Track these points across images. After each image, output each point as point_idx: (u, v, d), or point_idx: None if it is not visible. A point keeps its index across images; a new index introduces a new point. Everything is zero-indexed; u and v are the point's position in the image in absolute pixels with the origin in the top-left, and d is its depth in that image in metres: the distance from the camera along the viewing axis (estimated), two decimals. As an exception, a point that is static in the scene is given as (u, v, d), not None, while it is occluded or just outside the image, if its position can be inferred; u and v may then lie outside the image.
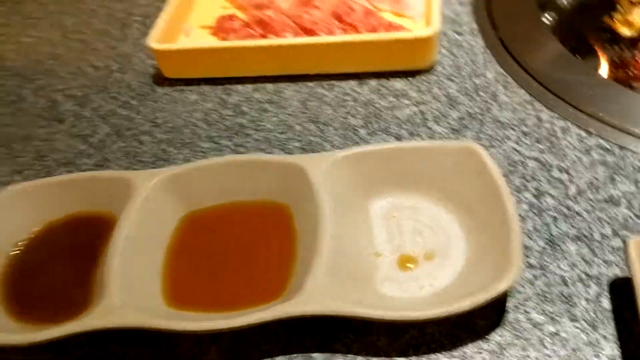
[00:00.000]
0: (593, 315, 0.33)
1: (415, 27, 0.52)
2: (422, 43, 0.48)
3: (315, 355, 0.34)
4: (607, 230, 0.37)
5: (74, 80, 0.57)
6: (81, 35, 0.62)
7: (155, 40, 0.52)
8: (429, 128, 0.45)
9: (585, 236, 0.36)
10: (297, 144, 0.46)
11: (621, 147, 0.41)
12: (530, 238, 0.37)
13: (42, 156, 0.50)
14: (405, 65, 0.49)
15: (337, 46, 0.49)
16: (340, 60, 0.50)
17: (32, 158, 0.50)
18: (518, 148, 0.42)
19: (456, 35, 0.52)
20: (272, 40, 0.51)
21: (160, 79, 0.54)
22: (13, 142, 0.52)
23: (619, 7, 0.58)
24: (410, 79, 0.49)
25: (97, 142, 0.50)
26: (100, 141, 0.50)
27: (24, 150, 0.51)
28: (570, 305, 0.33)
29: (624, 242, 0.34)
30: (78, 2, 0.67)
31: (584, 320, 0.33)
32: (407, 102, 0.47)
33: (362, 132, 0.45)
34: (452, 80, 0.48)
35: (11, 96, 0.56)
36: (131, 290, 0.35)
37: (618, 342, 0.32)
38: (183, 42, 0.55)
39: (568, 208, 0.38)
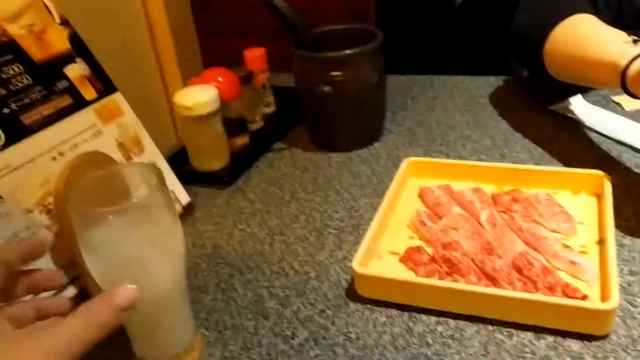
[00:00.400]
0: None
1: (590, 292, 0.57)
2: (599, 314, 0.53)
3: None
4: None
5: (277, 280, 0.67)
6: (283, 237, 0.74)
7: (356, 262, 0.61)
8: (607, 399, 0.48)
9: None
10: (478, 387, 0.51)
11: None
12: None
13: (249, 348, 0.58)
14: (581, 329, 0.54)
15: (517, 300, 0.56)
16: (518, 312, 0.56)
17: (239, 348, 0.58)
18: None
19: (629, 306, 0.57)
20: (458, 285, 0.59)
21: (353, 294, 0.62)
22: (224, 328, 0.61)
23: None
24: (586, 342, 0.54)
25: (297, 346, 0.58)
26: (300, 345, 0.58)
27: (232, 338, 0.60)
28: None
29: None
30: (282, 205, 0.80)
31: None
32: (583, 366, 0.52)
33: (541, 389, 0.50)
34: (627, 352, 0.52)
35: (223, 284, 0.67)
36: None
37: None
38: (378, 268, 0.64)
39: None
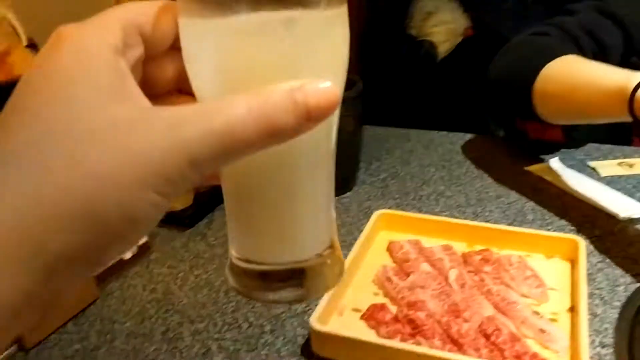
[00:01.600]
0: None
1: (560, 364, 0.54)
2: (570, 388, 0.49)
3: None
4: None
5: (229, 332, 0.62)
6: (241, 286, 0.69)
7: (314, 318, 0.57)
8: None
9: None
10: None
11: None
12: None
13: (190, 406, 0.53)
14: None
15: (483, 367, 0.52)
16: (484, 381, 0.52)
17: (180, 405, 0.53)
18: None
19: (601, 381, 0.53)
20: (420, 348, 0.54)
21: (309, 352, 0.58)
22: (165, 382, 0.56)
23: None
24: (554, 420, 0.50)
25: (243, 406, 0.53)
26: (245, 406, 0.53)
27: (173, 394, 0.55)
28: None
29: None
30: (242, 252, 0.76)
31: None
32: None
33: None
34: None
35: (171, 333, 0.62)
36: None
37: None
38: (337, 326, 0.59)
39: None
